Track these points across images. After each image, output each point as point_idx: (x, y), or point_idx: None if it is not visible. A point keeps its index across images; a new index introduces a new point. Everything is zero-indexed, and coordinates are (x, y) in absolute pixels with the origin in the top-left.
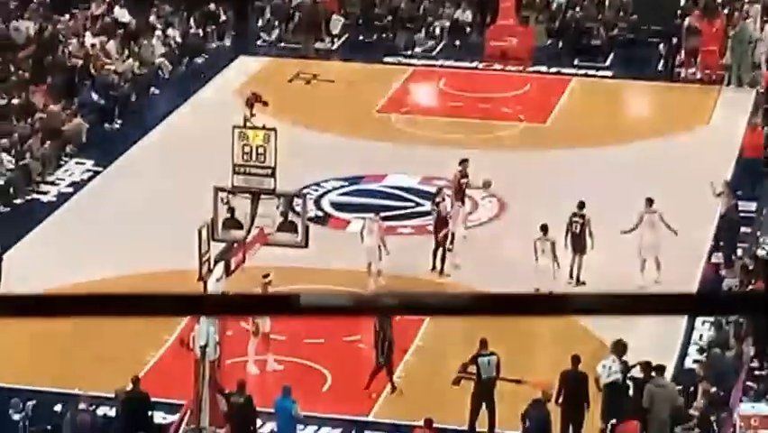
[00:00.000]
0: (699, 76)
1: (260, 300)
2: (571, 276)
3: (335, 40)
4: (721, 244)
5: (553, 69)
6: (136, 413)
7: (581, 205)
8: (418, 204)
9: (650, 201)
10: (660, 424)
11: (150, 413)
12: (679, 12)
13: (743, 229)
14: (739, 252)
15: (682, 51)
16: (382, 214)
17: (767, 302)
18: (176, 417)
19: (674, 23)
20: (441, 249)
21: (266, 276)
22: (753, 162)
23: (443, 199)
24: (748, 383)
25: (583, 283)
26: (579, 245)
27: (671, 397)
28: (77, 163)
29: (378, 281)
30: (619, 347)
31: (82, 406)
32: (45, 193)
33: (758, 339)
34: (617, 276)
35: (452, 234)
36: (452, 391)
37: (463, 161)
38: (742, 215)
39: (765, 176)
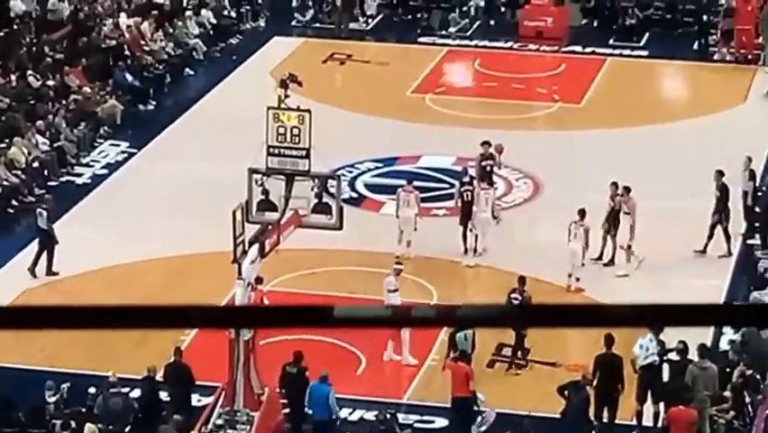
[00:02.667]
0: (734, 56)
1: (294, 312)
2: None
3: (369, 20)
4: (756, 225)
5: (588, 49)
6: (176, 384)
7: (615, 184)
8: (453, 185)
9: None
10: (701, 405)
11: (189, 387)
12: None
13: None
14: None
15: (718, 31)
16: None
17: None
18: (210, 399)
19: (709, 3)
20: (469, 231)
21: (398, 263)
22: None
23: (471, 181)
24: None
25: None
26: (611, 227)
27: (712, 379)
28: (111, 145)
29: (404, 253)
30: (656, 325)
31: (113, 389)
32: (80, 175)
33: None
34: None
35: (474, 217)
36: (486, 373)
37: (485, 143)
38: None
39: None
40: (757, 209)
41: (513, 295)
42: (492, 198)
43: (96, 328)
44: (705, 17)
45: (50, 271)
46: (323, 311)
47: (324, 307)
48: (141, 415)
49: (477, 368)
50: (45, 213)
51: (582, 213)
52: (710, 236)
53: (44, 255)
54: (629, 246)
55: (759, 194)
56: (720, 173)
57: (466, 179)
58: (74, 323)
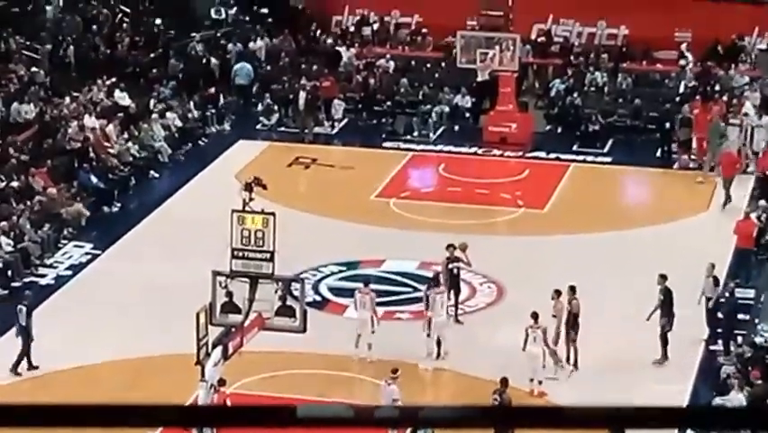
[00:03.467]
0: (697, 163)
1: (256, 412)
2: (568, 361)
3: (335, 124)
4: (718, 330)
5: (552, 155)
6: None
7: (573, 289)
8: (416, 289)
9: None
10: None
11: None
12: (678, 99)
13: (740, 316)
14: (738, 339)
15: (676, 141)
16: (381, 299)
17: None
18: None
19: (672, 110)
20: (426, 336)
21: (395, 371)
22: (745, 252)
23: (438, 285)
24: None
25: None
26: (570, 330)
27: None
28: (75, 246)
29: (366, 356)
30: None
31: None
32: (44, 276)
33: None
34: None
35: (429, 320)
36: None
37: (450, 246)
38: (741, 302)
39: (760, 265)
40: (720, 315)
41: (494, 396)
42: (444, 301)
43: (56, 426)
44: (668, 124)
45: (30, 366)
46: (285, 411)
47: (287, 406)
48: None
49: None
50: (24, 309)
51: (536, 316)
52: (664, 342)
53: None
54: (554, 351)
55: (722, 300)
56: (663, 277)
57: (434, 284)
58: (34, 421)
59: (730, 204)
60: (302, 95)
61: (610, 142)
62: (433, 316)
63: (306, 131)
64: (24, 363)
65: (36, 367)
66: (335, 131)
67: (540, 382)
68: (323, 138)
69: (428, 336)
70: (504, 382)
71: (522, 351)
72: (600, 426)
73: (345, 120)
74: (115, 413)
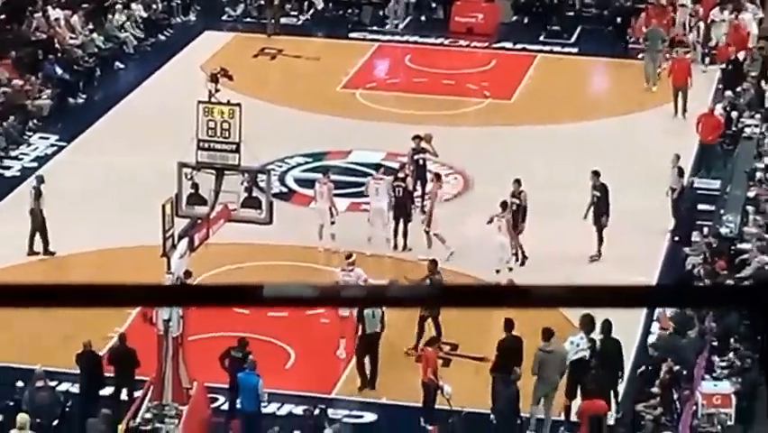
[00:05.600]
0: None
1: (222, 291)
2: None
3: (300, 15)
4: (679, 221)
5: (519, 46)
6: (122, 367)
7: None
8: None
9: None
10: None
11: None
12: None
13: (704, 207)
14: (704, 230)
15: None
16: (347, 190)
17: (745, 297)
18: (139, 392)
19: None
20: (401, 225)
21: (349, 257)
22: (709, 146)
23: (406, 176)
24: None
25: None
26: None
27: (560, 361)
28: (41, 138)
29: (331, 247)
30: (587, 322)
31: (39, 383)
32: (8, 168)
33: (719, 318)
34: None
35: (430, 214)
36: (408, 363)
37: (416, 137)
38: (705, 193)
39: (726, 155)
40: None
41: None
42: (380, 188)
43: (26, 306)
44: (621, 15)
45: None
46: (253, 290)
47: (254, 285)
48: (83, 392)
49: (390, 351)
50: (33, 192)
51: (504, 205)
52: (601, 240)
53: None
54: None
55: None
56: (596, 174)
57: (400, 174)
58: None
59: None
60: None
61: (577, 32)
62: (372, 202)
63: (274, 22)
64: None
65: (37, 253)
66: (301, 22)
67: (510, 270)
68: (289, 29)
69: (368, 220)
70: (433, 263)
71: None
72: (567, 304)
73: (311, 11)
74: (88, 292)
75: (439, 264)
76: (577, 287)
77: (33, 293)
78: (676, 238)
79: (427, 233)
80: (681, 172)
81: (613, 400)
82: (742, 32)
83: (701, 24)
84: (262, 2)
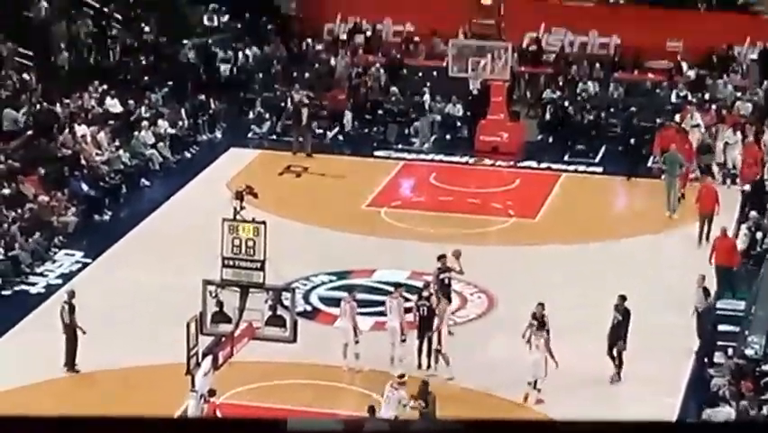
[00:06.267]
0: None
1: (246, 424)
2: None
3: (327, 132)
4: (705, 341)
5: (544, 165)
6: None
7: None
8: (407, 299)
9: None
10: None
11: None
12: (670, 108)
13: (730, 328)
14: (729, 351)
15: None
16: (371, 309)
17: None
18: None
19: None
20: (425, 345)
21: (401, 376)
22: (725, 268)
23: (429, 296)
24: None
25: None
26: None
27: None
28: (66, 255)
29: (355, 366)
30: None
31: None
32: (34, 284)
33: None
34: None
35: (439, 332)
36: None
37: (441, 257)
38: (730, 314)
39: (751, 276)
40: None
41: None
42: (448, 311)
43: None
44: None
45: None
46: (276, 425)
47: (278, 420)
48: None
49: None
50: (67, 307)
51: (541, 323)
52: (620, 362)
53: None
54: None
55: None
56: (623, 298)
57: (425, 293)
58: None
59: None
60: (304, 111)
61: (602, 151)
62: (388, 321)
63: (302, 140)
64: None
65: (75, 366)
66: (327, 140)
67: (539, 390)
68: (315, 146)
69: (437, 351)
70: (424, 384)
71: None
72: None
73: (336, 129)
74: (107, 426)
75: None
76: (603, 423)
77: (47, 426)
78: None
79: (438, 351)
80: (706, 292)
81: None
82: (756, 153)
83: (719, 145)
84: (289, 121)
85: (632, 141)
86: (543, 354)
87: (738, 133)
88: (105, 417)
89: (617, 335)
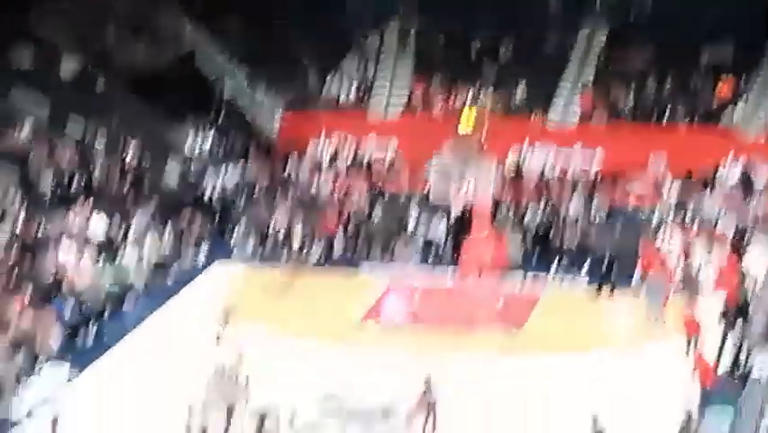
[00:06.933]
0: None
1: None
2: None
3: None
4: None
5: (528, 280)
6: None
7: None
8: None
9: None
10: None
11: None
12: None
13: None
14: None
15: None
16: None
17: None
18: None
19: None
20: None
21: None
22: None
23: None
24: None
25: None
26: None
27: None
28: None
29: None
30: None
31: None
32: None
33: None
34: None
35: None
36: None
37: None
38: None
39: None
40: None
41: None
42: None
43: None
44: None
45: None
46: None
47: None
48: None
49: None
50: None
51: None
52: None
53: None
54: None
55: None
56: (594, 420)
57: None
58: None
59: None
60: (297, 233)
61: (587, 263)
62: None
63: (290, 262)
64: None
65: None
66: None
67: None
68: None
69: None
70: None
71: None
72: None
73: (322, 244)
74: None
75: None
76: None
77: None
78: None
79: None
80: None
81: None
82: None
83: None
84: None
85: (614, 261)
86: None
87: (711, 253)
88: None
89: None
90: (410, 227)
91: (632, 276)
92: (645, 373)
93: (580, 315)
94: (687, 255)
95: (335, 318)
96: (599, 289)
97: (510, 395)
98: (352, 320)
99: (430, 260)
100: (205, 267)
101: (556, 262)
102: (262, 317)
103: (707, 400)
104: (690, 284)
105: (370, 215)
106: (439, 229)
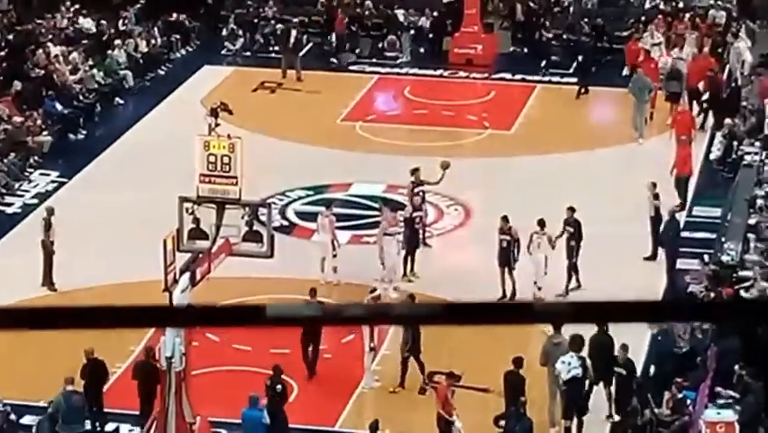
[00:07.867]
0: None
1: (226, 312)
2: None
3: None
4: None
5: (518, 76)
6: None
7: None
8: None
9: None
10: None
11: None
12: (643, 18)
13: (706, 235)
14: (705, 258)
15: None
16: (348, 223)
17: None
18: (142, 430)
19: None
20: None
21: (373, 291)
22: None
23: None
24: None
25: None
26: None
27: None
28: (41, 174)
29: (333, 280)
30: (577, 342)
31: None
32: (10, 205)
33: (723, 344)
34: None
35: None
36: (418, 398)
37: (415, 171)
38: (707, 221)
39: (726, 183)
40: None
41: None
42: (325, 223)
43: (32, 328)
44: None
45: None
46: (255, 310)
47: (257, 306)
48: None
49: (408, 395)
50: (43, 223)
51: (541, 223)
52: (571, 274)
53: None
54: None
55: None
56: (571, 210)
57: (406, 215)
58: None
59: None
60: (293, 33)
61: (575, 62)
62: (318, 237)
63: (294, 65)
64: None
65: (53, 285)
66: (300, 54)
67: (540, 288)
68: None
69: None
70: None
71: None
72: (571, 320)
73: (310, 44)
74: (91, 314)
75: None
76: (582, 303)
77: (37, 316)
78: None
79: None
80: (656, 197)
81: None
82: (704, 64)
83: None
84: (261, 39)
85: (604, 52)
86: (543, 253)
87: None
88: (91, 307)
89: (569, 246)
90: (401, 18)
91: (619, 74)
92: (638, 167)
93: (569, 115)
94: (675, 46)
95: (323, 117)
96: (586, 88)
97: (502, 195)
98: (340, 118)
99: (420, 55)
100: (194, 70)
101: (546, 60)
102: (251, 118)
103: (683, 189)
104: (676, 77)
105: (361, 4)
106: (429, 22)
